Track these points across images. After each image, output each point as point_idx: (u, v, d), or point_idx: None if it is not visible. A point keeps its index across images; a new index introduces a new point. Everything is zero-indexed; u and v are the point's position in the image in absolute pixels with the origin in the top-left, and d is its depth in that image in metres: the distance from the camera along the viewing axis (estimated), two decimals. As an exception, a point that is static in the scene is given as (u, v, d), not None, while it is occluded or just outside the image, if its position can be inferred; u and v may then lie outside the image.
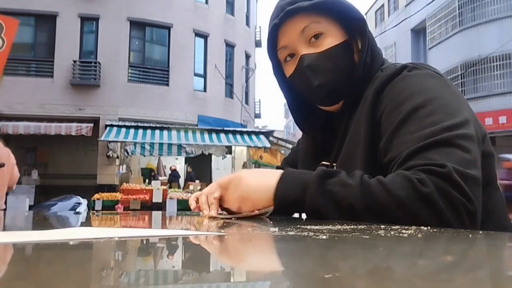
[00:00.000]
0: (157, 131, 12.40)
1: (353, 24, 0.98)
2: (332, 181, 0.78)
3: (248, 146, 13.15)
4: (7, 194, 3.78)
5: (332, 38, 0.97)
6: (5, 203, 3.67)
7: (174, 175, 13.72)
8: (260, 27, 20.03)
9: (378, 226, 0.61)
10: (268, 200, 0.83)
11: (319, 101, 1.03)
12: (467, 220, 0.69)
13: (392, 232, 0.54)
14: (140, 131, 12.28)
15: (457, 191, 0.69)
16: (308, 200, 0.78)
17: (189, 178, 13.65)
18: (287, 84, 1.07)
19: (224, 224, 0.78)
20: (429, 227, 0.59)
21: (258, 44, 19.22)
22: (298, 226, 0.65)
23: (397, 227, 0.60)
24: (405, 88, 0.86)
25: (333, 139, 1.03)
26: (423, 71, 0.90)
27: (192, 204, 1.07)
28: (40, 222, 1.05)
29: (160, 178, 13.14)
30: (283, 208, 0.84)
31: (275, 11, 1.01)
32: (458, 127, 0.76)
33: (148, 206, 10.40)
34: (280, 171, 0.85)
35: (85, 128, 12.46)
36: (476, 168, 0.74)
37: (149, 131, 12.34)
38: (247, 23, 17.76)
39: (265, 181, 0.84)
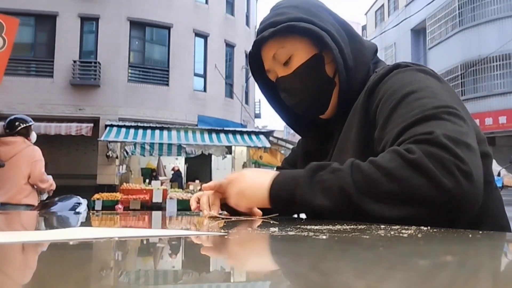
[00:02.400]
0: (157, 131, 12.39)
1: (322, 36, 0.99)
2: (322, 172, 0.78)
3: (248, 146, 13.15)
4: (40, 194, 3.90)
5: (300, 56, 1.00)
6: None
7: (177, 174, 13.73)
8: (260, 27, 20.00)
9: (378, 226, 0.61)
10: (262, 199, 0.83)
11: (305, 115, 1.08)
12: (462, 180, 0.65)
13: (392, 232, 0.54)
14: (140, 131, 12.28)
15: (446, 153, 0.66)
16: (299, 194, 0.78)
17: (175, 176, 13.60)
18: (276, 99, 1.13)
19: (225, 224, 0.78)
20: (429, 227, 0.59)
21: (258, 44, 19.17)
22: (298, 226, 0.65)
23: (397, 227, 0.60)
24: (397, 81, 0.87)
25: (331, 142, 1.05)
26: (415, 67, 0.92)
27: (193, 205, 1.07)
28: (40, 222, 1.05)
29: (160, 178, 13.14)
30: (278, 207, 0.84)
31: (256, 36, 1.06)
32: (449, 107, 0.76)
33: (148, 206, 10.40)
34: (277, 172, 0.86)
35: (85, 128, 12.45)
36: (469, 138, 0.71)
37: (149, 131, 12.33)
38: (247, 23, 17.75)
39: (260, 180, 0.85)
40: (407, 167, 0.68)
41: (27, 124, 3.87)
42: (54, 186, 4.00)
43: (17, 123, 3.80)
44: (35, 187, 3.85)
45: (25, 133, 3.85)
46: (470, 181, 0.66)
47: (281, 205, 0.84)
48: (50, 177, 4.08)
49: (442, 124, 0.72)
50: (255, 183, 0.86)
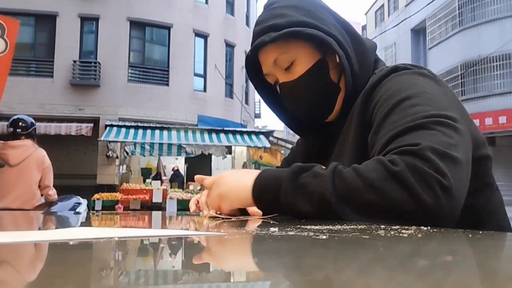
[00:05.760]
0: (157, 131, 12.40)
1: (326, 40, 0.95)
2: (305, 174, 0.77)
3: (248, 146, 13.15)
4: (50, 204, 3.84)
5: (303, 62, 0.97)
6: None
7: (176, 175, 13.73)
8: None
9: (378, 226, 0.61)
10: (245, 200, 0.83)
11: (308, 121, 1.07)
12: (442, 196, 0.65)
13: (392, 232, 0.54)
14: (140, 131, 12.28)
15: (428, 167, 0.66)
16: (282, 196, 0.77)
17: (174, 177, 13.59)
18: (275, 101, 1.10)
19: (224, 224, 0.78)
20: (429, 227, 0.59)
21: (258, 44, 19.20)
22: (298, 226, 0.65)
23: (397, 227, 0.60)
24: (394, 85, 0.86)
25: (332, 144, 1.03)
26: (413, 70, 0.90)
27: (192, 207, 1.07)
28: (40, 222, 1.05)
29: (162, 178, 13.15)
30: (263, 208, 0.83)
31: (252, 36, 1.02)
32: (441, 116, 0.74)
33: (148, 206, 10.41)
34: (258, 171, 0.85)
35: (85, 128, 12.45)
36: (457, 151, 0.70)
37: (149, 131, 12.34)
38: (247, 23, 17.76)
39: (243, 180, 0.84)
40: (389, 179, 0.67)
41: (35, 126, 3.83)
42: (56, 197, 3.98)
43: (24, 124, 3.70)
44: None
45: (34, 134, 3.79)
46: (449, 197, 0.66)
47: (266, 206, 0.83)
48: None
49: (431, 135, 0.71)
50: (237, 185, 0.84)
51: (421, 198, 0.65)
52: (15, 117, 3.79)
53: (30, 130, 3.73)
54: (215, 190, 0.88)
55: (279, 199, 0.78)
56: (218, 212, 0.92)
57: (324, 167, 0.77)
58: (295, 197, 0.76)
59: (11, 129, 3.68)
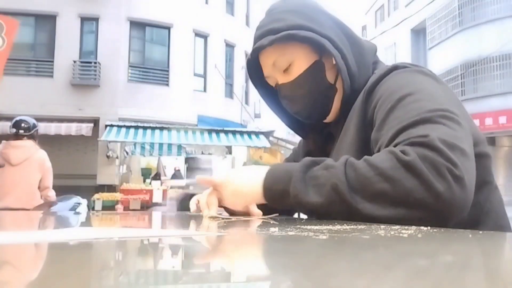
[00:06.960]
0: (157, 131, 12.39)
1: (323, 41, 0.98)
2: (316, 167, 0.78)
3: (248, 146, 13.14)
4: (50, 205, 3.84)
5: (301, 64, 0.99)
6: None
7: (176, 175, 13.72)
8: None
9: (378, 226, 0.61)
10: (258, 194, 0.83)
11: (307, 121, 1.08)
12: (454, 185, 0.66)
13: (392, 232, 0.54)
14: (140, 131, 12.27)
15: (440, 157, 0.67)
16: (292, 189, 0.77)
17: (174, 177, 13.56)
18: (276, 103, 1.12)
19: (224, 224, 0.78)
20: (429, 227, 0.59)
21: (258, 44, 19.20)
22: (298, 226, 0.65)
23: (397, 227, 0.60)
24: (394, 82, 0.87)
25: (332, 144, 1.04)
26: (413, 68, 0.91)
27: (192, 207, 1.07)
28: (40, 222, 1.05)
29: (162, 178, 13.13)
30: (272, 201, 0.83)
31: (253, 40, 1.05)
32: (445, 111, 0.76)
33: (148, 206, 10.41)
34: (269, 166, 0.86)
35: (85, 128, 12.45)
36: (464, 143, 0.71)
37: (149, 131, 12.33)
38: (247, 23, 17.75)
39: (254, 175, 0.85)
40: (401, 168, 0.68)
41: (38, 127, 3.85)
42: (55, 198, 3.99)
43: (26, 125, 3.71)
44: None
45: (36, 135, 3.80)
46: (461, 186, 0.67)
47: (275, 200, 0.83)
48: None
49: (438, 128, 0.72)
50: (249, 180, 0.85)
51: (434, 186, 0.66)
52: (18, 118, 3.80)
53: (32, 131, 3.75)
54: (227, 188, 0.88)
55: (288, 190, 0.78)
56: (218, 213, 0.92)
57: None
58: (306, 188, 0.76)
59: (14, 130, 3.69)
